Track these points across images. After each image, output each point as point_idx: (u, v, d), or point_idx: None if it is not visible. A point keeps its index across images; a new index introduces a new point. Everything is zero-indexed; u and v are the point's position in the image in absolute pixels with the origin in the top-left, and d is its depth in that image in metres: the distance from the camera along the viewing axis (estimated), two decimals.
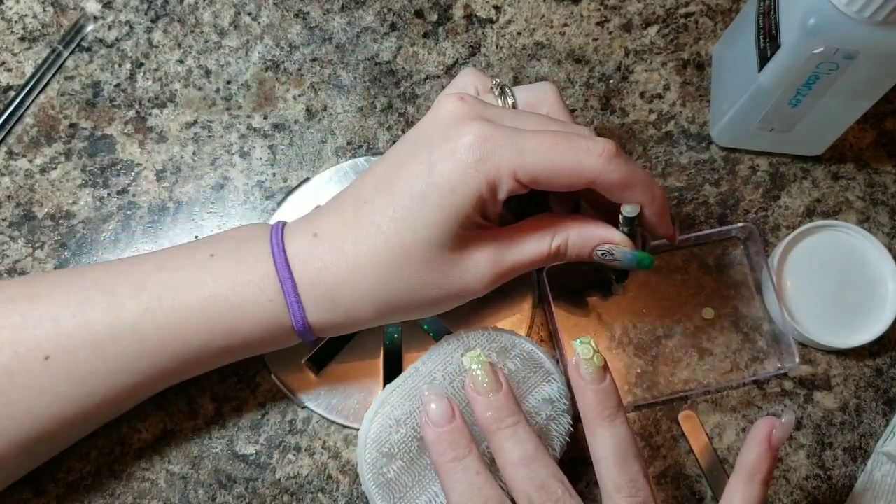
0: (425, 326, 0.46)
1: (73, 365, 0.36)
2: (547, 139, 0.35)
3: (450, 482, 0.35)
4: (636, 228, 0.38)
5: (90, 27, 0.50)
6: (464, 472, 0.35)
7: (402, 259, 0.36)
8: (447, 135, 0.36)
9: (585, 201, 0.42)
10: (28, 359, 0.35)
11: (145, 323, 0.36)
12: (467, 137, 0.35)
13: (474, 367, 0.36)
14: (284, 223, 0.39)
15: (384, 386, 0.43)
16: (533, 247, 0.38)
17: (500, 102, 0.40)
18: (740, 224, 0.47)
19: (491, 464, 0.36)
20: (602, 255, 0.38)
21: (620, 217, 0.37)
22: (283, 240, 0.38)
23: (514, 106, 0.40)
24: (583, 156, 0.35)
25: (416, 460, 0.39)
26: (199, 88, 0.49)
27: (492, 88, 0.41)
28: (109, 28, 0.50)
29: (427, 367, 0.40)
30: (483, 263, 0.37)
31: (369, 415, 0.40)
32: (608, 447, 0.35)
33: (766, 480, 0.36)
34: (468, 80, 0.42)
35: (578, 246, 0.38)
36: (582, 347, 0.36)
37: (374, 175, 0.38)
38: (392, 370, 0.45)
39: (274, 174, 0.48)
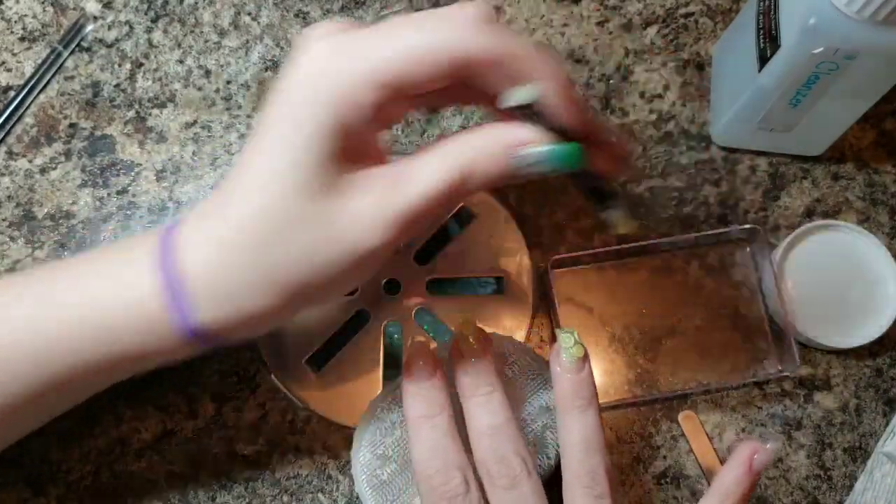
0: (425, 326, 0.46)
1: None
2: (398, 18, 0.30)
3: (416, 439, 0.35)
4: (543, 122, 0.30)
5: (90, 27, 0.50)
6: (432, 430, 0.34)
7: (278, 216, 0.30)
8: (292, 61, 0.31)
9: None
10: None
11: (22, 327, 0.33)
12: (306, 55, 0.30)
13: (465, 332, 0.36)
14: None
15: (384, 386, 0.43)
16: (429, 172, 0.30)
17: None
18: (742, 225, 0.47)
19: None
20: (518, 163, 0.30)
21: (518, 112, 0.29)
22: (178, 222, 0.33)
23: None
24: (439, 25, 0.29)
25: (410, 463, 0.38)
26: (199, 88, 0.49)
27: None
28: (109, 28, 0.50)
29: None
30: (369, 207, 0.30)
31: (365, 416, 0.40)
32: (575, 436, 0.34)
33: None
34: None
35: (487, 160, 0.30)
36: (563, 337, 0.36)
37: None
38: (392, 370, 0.45)
39: None
